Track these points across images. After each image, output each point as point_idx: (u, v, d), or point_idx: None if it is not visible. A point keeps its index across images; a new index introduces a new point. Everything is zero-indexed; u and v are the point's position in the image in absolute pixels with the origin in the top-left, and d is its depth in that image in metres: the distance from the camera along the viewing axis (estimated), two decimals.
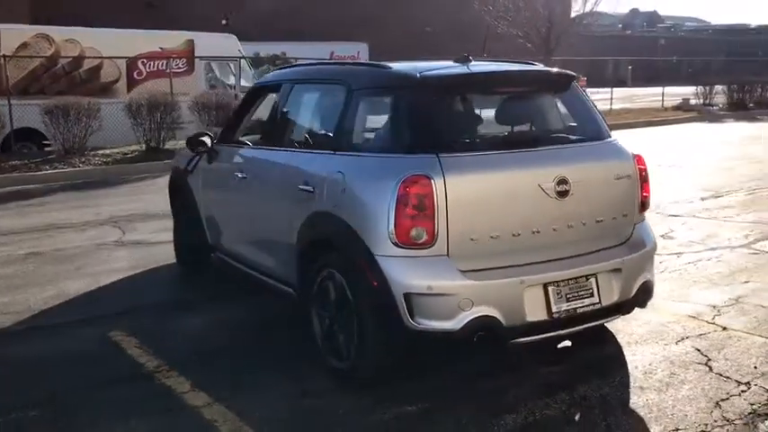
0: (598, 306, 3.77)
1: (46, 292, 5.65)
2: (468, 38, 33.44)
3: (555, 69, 4.23)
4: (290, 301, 4.51)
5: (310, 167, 4.13)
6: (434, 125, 3.72)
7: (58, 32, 14.78)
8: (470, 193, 3.54)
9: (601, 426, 3.45)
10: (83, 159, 12.70)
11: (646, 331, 4.55)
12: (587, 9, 29.95)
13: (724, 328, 4.62)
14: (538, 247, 3.69)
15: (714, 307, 5.02)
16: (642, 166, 4.11)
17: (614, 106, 23.05)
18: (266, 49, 29.93)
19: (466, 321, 3.43)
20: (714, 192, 9.62)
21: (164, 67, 15.86)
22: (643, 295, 3.99)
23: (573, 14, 30.91)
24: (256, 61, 25.16)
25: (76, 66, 14.72)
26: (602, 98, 19.73)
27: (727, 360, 4.14)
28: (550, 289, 3.63)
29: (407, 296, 3.46)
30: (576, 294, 3.70)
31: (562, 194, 3.69)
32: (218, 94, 14.33)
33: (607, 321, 4.08)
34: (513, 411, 3.56)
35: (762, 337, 4.48)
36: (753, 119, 21.95)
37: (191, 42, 16.52)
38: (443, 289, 3.44)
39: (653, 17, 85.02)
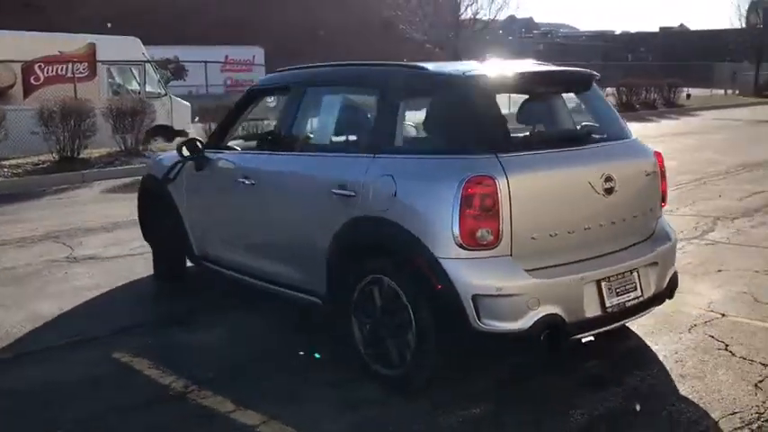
0: (641, 299, 3.89)
1: (16, 315, 5.17)
2: (361, 39, 33.67)
3: (587, 70, 4.33)
4: (299, 308, 4.35)
5: (346, 171, 4.01)
6: (490, 125, 3.72)
7: None
8: (530, 191, 3.55)
9: (662, 415, 3.55)
10: None
11: (655, 322, 4.70)
12: (469, 15, 31.25)
13: (723, 315, 4.88)
14: (590, 244, 3.77)
15: (704, 296, 5.28)
16: (661, 163, 4.28)
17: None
18: (157, 53, 28.82)
19: (534, 321, 3.44)
20: None
21: (63, 72, 15.03)
22: (673, 286, 4.15)
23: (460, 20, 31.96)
24: None
25: None
26: None
27: (742, 345, 4.36)
28: (603, 284, 3.71)
29: (475, 298, 3.43)
30: (623, 288, 3.80)
31: (608, 191, 3.77)
32: (133, 100, 13.66)
33: (647, 314, 4.19)
34: (577, 407, 3.60)
35: (761, 321, 4.76)
36: (641, 119, 23.26)
37: (92, 46, 15.70)
38: (513, 289, 3.44)
39: (529, 24, 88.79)
